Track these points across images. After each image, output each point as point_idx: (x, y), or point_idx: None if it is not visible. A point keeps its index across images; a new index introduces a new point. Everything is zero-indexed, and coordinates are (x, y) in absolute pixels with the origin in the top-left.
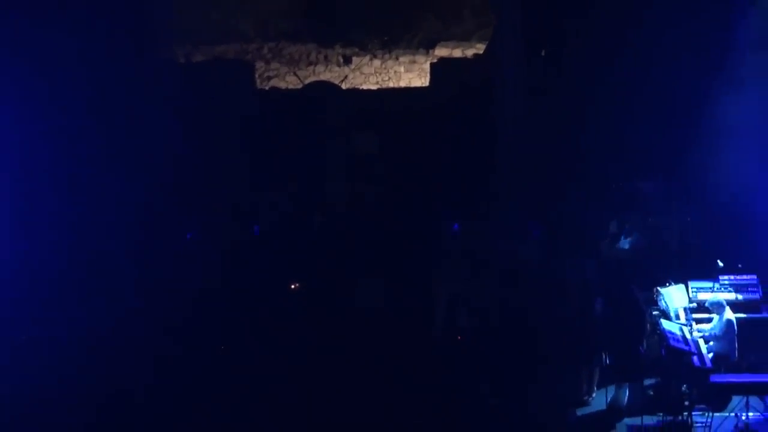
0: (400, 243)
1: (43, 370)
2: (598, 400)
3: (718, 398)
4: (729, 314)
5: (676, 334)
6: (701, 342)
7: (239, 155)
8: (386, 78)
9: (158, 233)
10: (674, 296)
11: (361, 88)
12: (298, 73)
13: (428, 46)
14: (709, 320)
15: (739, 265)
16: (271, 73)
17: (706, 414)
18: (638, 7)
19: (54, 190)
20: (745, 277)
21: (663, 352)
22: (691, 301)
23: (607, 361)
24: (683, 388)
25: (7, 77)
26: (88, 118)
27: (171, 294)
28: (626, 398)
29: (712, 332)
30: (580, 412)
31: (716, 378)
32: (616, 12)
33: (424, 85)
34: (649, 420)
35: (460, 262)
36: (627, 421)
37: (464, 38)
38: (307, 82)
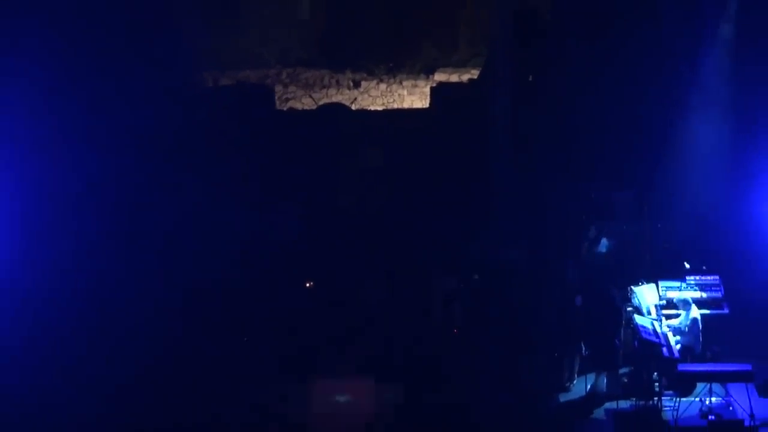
0: (402, 246)
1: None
2: (579, 386)
3: (684, 385)
4: (694, 311)
5: (647, 328)
6: (670, 335)
7: (259, 168)
8: (391, 100)
9: (187, 245)
10: (646, 294)
11: (368, 108)
12: (313, 95)
13: (428, 72)
14: (677, 316)
15: (704, 267)
16: (289, 96)
17: (674, 399)
18: (613, 42)
19: (97, 208)
20: (708, 277)
21: (636, 344)
22: (661, 298)
23: (586, 352)
24: (654, 376)
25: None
26: (128, 139)
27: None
28: (605, 385)
29: (680, 327)
30: (562, 397)
31: (683, 367)
32: (593, 44)
33: (424, 107)
34: (624, 404)
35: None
36: (605, 405)
37: (460, 65)
38: (320, 103)
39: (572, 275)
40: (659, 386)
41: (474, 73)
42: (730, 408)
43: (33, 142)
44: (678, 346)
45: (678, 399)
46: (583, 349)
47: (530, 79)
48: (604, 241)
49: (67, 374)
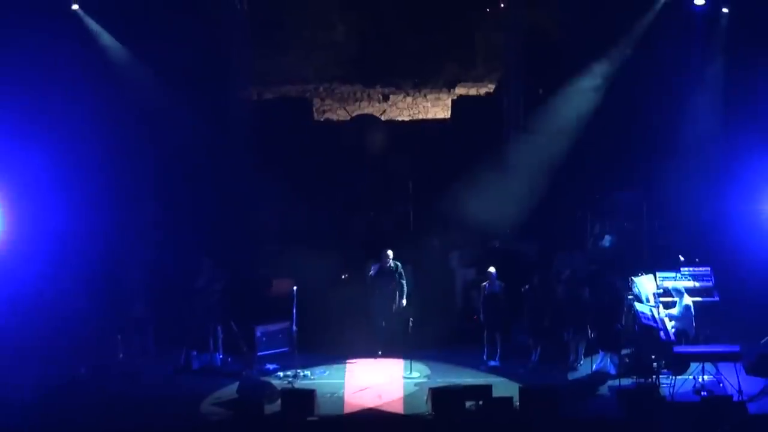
0: (426, 242)
1: None
2: (585, 366)
3: (679, 365)
4: (687, 299)
5: (646, 314)
6: (667, 320)
7: (298, 173)
8: (416, 111)
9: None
10: (645, 284)
11: (396, 119)
12: (347, 108)
13: (450, 86)
14: (673, 304)
15: (696, 259)
16: (325, 108)
17: (670, 377)
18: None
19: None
20: (701, 268)
21: (636, 328)
22: (658, 287)
23: (592, 335)
24: (652, 357)
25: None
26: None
27: None
28: (613, 367)
29: (675, 313)
30: (570, 376)
31: (678, 349)
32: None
33: (446, 117)
34: (625, 382)
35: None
36: (609, 382)
37: (478, 80)
38: (353, 114)
39: (579, 266)
40: (657, 366)
41: (490, 87)
42: (721, 385)
43: (91, 153)
44: (673, 330)
45: (674, 377)
46: (589, 332)
47: (540, 92)
48: (607, 236)
49: None
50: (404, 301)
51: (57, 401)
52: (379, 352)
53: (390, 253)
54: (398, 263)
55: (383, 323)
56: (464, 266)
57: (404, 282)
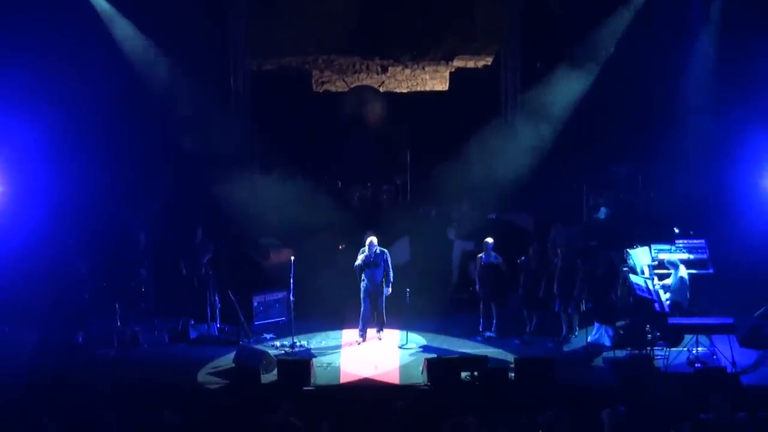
0: (423, 212)
1: None
2: (580, 338)
3: (674, 336)
4: (682, 271)
5: (641, 286)
6: (661, 292)
7: (297, 144)
8: (415, 83)
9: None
10: (640, 256)
11: (395, 91)
12: (346, 79)
13: (448, 58)
14: (668, 275)
15: (691, 232)
16: (324, 79)
17: (665, 349)
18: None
19: (157, 182)
20: (695, 241)
21: (631, 300)
22: (653, 260)
23: (584, 308)
24: (647, 328)
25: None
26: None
27: None
28: (608, 338)
29: (670, 285)
30: (565, 347)
31: (673, 320)
32: (596, 31)
33: (444, 89)
34: (620, 353)
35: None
36: (603, 354)
37: (476, 53)
38: (352, 86)
39: (575, 237)
40: (651, 338)
41: (488, 60)
42: (714, 357)
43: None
44: (668, 302)
45: (668, 349)
46: (583, 305)
47: (538, 65)
48: (603, 208)
49: None
50: (389, 289)
51: (53, 366)
52: (363, 340)
53: (375, 239)
54: (384, 249)
55: (374, 314)
56: (461, 237)
57: (390, 269)
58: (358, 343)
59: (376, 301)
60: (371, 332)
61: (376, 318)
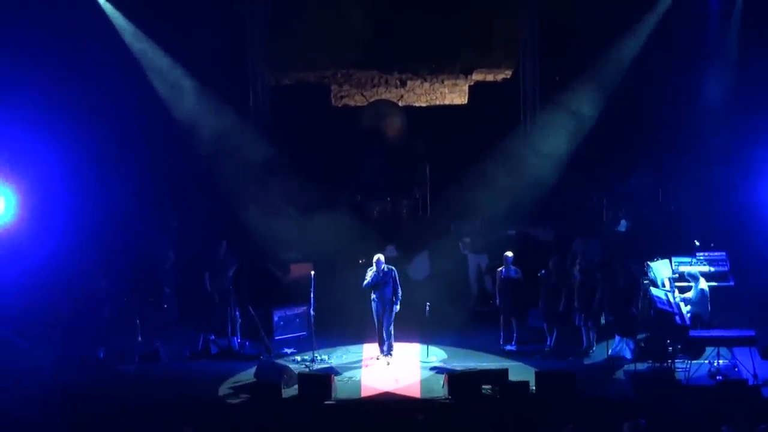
0: (443, 226)
1: None
2: (601, 351)
3: (695, 349)
4: (703, 284)
5: (662, 299)
6: (682, 305)
7: (316, 159)
8: (433, 97)
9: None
10: (661, 269)
11: (414, 105)
12: (365, 93)
13: (467, 72)
14: (689, 288)
15: (712, 244)
16: (343, 94)
17: (686, 361)
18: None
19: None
20: (716, 253)
21: (652, 313)
22: (674, 272)
23: (607, 320)
24: (668, 342)
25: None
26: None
27: None
28: (629, 351)
29: (691, 298)
30: (586, 360)
31: (693, 333)
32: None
33: (463, 103)
34: (641, 366)
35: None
36: (624, 367)
37: (495, 66)
38: (371, 100)
39: (594, 250)
40: (672, 350)
41: (507, 73)
42: (736, 369)
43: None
44: (689, 315)
45: (689, 362)
46: (603, 318)
47: (557, 78)
48: (623, 221)
49: None
50: (398, 307)
51: (75, 382)
52: (379, 357)
53: (382, 257)
54: (392, 267)
55: (385, 331)
56: (480, 251)
57: (399, 287)
58: (377, 359)
59: (384, 319)
60: (382, 357)
61: (385, 338)
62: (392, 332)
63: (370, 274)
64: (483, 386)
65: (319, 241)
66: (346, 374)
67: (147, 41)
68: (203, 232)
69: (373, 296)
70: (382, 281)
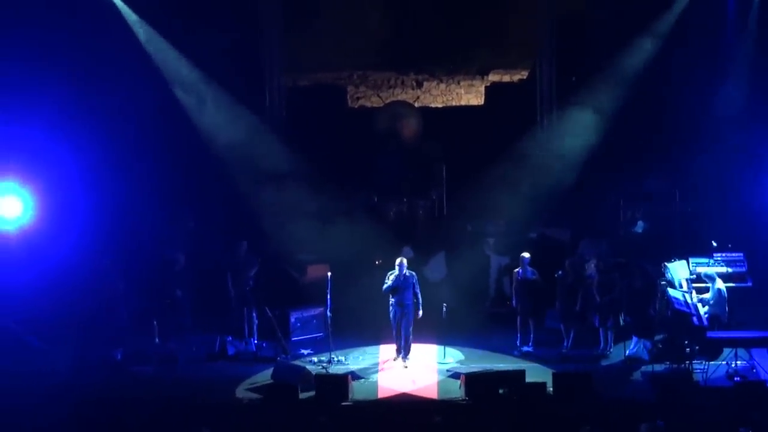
0: (459, 227)
1: None
2: (618, 352)
3: (712, 350)
4: (720, 284)
5: (679, 300)
6: (699, 306)
7: (332, 160)
8: (450, 98)
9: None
10: (678, 269)
11: (430, 106)
12: (381, 94)
13: (483, 73)
14: (707, 289)
15: (729, 245)
16: (359, 95)
17: (703, 363)
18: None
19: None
20: (734, 254)
21: (669, 314)
22: (691, 273)
23: (622, 322)
24: (685, 343)
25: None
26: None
27: None
28: (647, 352)
29: (708, 298)
30: (603, 362)
31: (711, 334)
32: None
33: (479, 104)
34: (658, 367)
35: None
36: (642, 368)
37: (511, 67)
38: (387, 101)
39: (605, 250)
40: (690, 351)
41: (524, 74)
42: (754, 370)
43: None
44: (706, 316)
45: (707, 363)
46: (621, 319)
47: (573, 79)
48: (640, 222)
49: None
50: (420, 312)
51: (92, 384)
52: (396, 358)
53: (405, 261)
54: (413, 273)
55: (403, 336)
56: (504, 253)
57: (419, 292)
58: (394, 360)
59: (402, 324)
60: (399, 360)
61: (403, 342)
62: (410, 337)
63: (391, 278)
64: (500, 387)
65: (336, 243)
66: (363, 375)
67: (164, 43)
68: (221, 233)
69: (391, 300)
70: (402, 286)
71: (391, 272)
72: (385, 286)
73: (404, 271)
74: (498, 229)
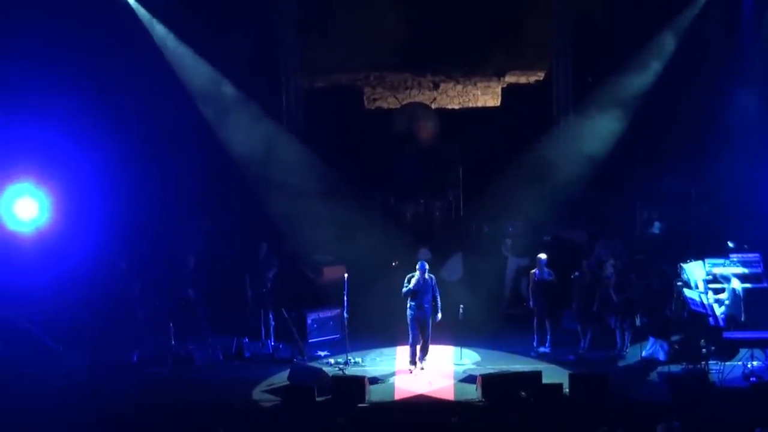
0: (476, 228)
1: None
2: (634, 353)
3: (728, 350)
4: (735, 284)
5: (696, 300)
6: (716, 306)
7: (349, 161)
8: (467, 99)
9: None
10: (694, 270)
11: (447, 107)
12: (397, 96)
13: (499, 74)
14: (723, 290)
15: (745, 246)
16: (376, 96)
17: (720, 363)
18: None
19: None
20: (750, 254)
21: (685, 314)
22: (707, 274)
23: (639, 323)
24: (702, 343)
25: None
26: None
27: None
28: (663, 353)
29: (724, 299)
30: (619, 362)
31: (727, 335)
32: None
33: (496, 105)
34: (675, 368)
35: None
36: (658, 369)
37: (528, 68)
38: (404, 103)
39: (620, 250)
40: (706, 352)
41: (540, 75)
42: None
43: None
44: (723, 316)
45: (723, 363)
46: (638, 319)
47: (589, 80)
48: (656, 223)
49: None
50: (439, 315)
51: (108, 385)
52: (415, 367)
53: (426, 264)
54: (432, 276)
55: (421, 339)
56: (522, 254)
57: (438, 295)
58: (411, 372)
59: (423, 327)
60: (414, 368)
61: (422, 345)
62: (429, 339)
63: (412, 281)
64: (517, 389)
65: (353, 244)
66: (380, 377)
67: (181, 47)
68: (238, 235)
69: (410, 304)
70: (422, 289)
71: (410, 275)
72: (405, 289)
73: (425, 275)
74: (515, 230)
